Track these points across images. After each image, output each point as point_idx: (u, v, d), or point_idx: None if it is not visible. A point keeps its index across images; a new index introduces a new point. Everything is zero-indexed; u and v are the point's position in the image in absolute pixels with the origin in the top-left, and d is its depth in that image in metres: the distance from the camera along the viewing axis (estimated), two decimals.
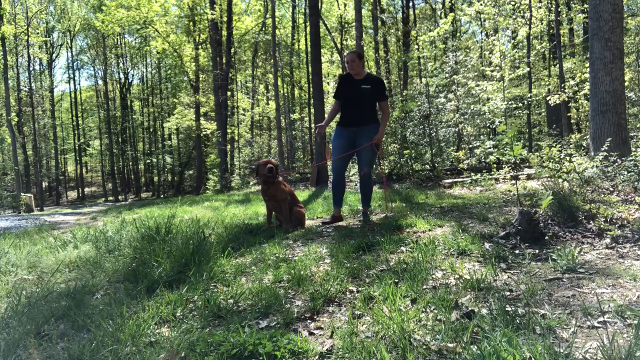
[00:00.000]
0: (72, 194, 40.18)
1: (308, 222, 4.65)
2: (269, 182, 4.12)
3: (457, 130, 11.39)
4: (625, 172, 4.75)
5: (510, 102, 12.68)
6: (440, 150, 10.38)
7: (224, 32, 19.20)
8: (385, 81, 4.64)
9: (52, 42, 33.92)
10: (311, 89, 14.93)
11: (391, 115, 10.06)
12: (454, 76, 11.54)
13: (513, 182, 7.00)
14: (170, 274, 2.66)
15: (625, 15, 15.95)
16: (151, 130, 36.04)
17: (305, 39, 20.65)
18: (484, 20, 15.60)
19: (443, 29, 12.62)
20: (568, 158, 4.79)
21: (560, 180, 4.13)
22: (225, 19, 19.11)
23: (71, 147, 39.79)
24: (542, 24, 14.73)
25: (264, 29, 23.61)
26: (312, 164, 12.32)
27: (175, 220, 4.55)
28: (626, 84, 9.20)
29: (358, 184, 5.13)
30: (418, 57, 20.09)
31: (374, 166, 4.66)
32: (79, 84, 54.36)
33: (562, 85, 11.91)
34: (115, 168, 34.19)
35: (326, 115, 4.96)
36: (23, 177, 25.08)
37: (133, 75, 36.22)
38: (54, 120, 34.89)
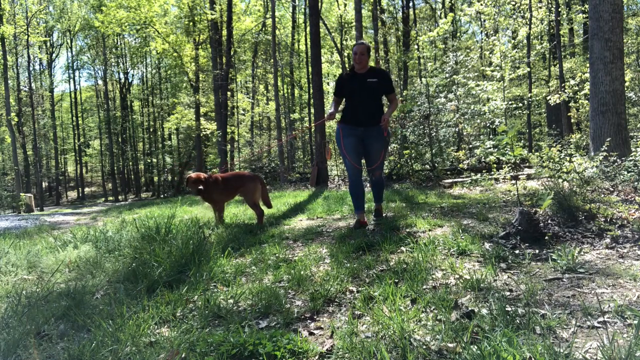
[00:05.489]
0: (72, 194, 40.15)
1: (308, 222, 4.65)
2: (203, 194, 4.53)
3: (457, 130, 11.38)
4: (625, 172, 4.75)
5: (510, 102, 12.67)
6: (440, 150, 10.37)
7: (224, 32, 19.18)
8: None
9: (52, 42, 33.88)
10: (311, 89, 14.93)
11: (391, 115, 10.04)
12: (454, 76, 11.53)
13: (513, 182, 6.99)
14: (170, 274, 2.66)
15: (625, 15, 15.96)
16: (151, 130, 35.99)
17: (305, 39, 20.64)
18: (484, 21, 15.59)
19: (443, 29, 12.61)
20: (568, 158, 4.79)
21: (560, 180, 4.12)
22: (225, 19, 19.09)
23: (71, 147, 39.73)
24: (542, 24, 14.74)
25: (264, 29, 23.59)
26: (312, 164, 12.33)
27: (175, 220, 4.54)
28: (626, 84, 9.20)
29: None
30: (418, 57, 20.08)
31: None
32: (79, 84, 54.17)
33: (562, 85, 11.91)
34: (115, 168, 34.14)
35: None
36: (23, 177, 25.06)
37: (133, 76, 36.15)
38: (54, 120, 34.86)
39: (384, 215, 4.46)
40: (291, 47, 25.12)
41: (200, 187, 4.43)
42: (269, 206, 4.95)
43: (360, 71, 3.98)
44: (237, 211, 5.82)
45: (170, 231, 3.78)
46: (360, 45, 3.91)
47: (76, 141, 37.09)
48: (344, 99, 4.14)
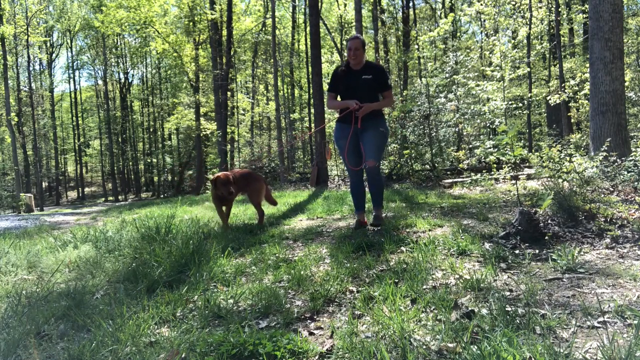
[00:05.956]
0: (72, 194, 40.15)
1: (308, 222, 4.65)
2: (230, 198, 4.27)
3: (457, 130, 11.39)
4: (625, 172, 4.75)
5: (510, 102, 12.67)
6: (440, 150, 10.38)
7: (224, 32, 19.19)
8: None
9: (52, 42, 33.91)
10: (311, 89, 14.93)
11: (390, 115, 10.05)
12: (454, 76, 11.54)
13: (513, 182, 7.00)
14: (170, 274, 2.66)
15: (625, 15, 15.97)
16: (151, 130, 36.00)
17: (305, 39, 20.65)
18: (484, 21, 15.60)
19: (443, 29, 12.62)
20: (568, 158, 4.78)
21: (560, 180, 4.12)
22: (225, 19, 19.10)
23: (71, 147, 39.76)
24: (542, 24, 14.75)
25: (264, 29, 23.60)
26: (312, 164, 12.35)
27: (175, 220, 4.55)
28: (626, 84, 9.20)
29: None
30: (418, 57, 20.09)
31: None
32: (79, 84, 54.16)
33: (562, 85, 11.92)
34: (115, 168, 34.15)
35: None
36: (23, 177, 25.06)
37: (133, 76, 36.16)
38: (54, 120, 34.88)
39: (383, 215, 4.32)
40: (291, 47, 25.13)
41: (232, 189, 4.07)
42: (275, 204, 5.05)
43: (355, 67, 3.79)
44: (237, 211, 5.82)
45: (170, 231, 3.78)
46: (355, 40, 3.71)
47: (76, 141, 37.11)
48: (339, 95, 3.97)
